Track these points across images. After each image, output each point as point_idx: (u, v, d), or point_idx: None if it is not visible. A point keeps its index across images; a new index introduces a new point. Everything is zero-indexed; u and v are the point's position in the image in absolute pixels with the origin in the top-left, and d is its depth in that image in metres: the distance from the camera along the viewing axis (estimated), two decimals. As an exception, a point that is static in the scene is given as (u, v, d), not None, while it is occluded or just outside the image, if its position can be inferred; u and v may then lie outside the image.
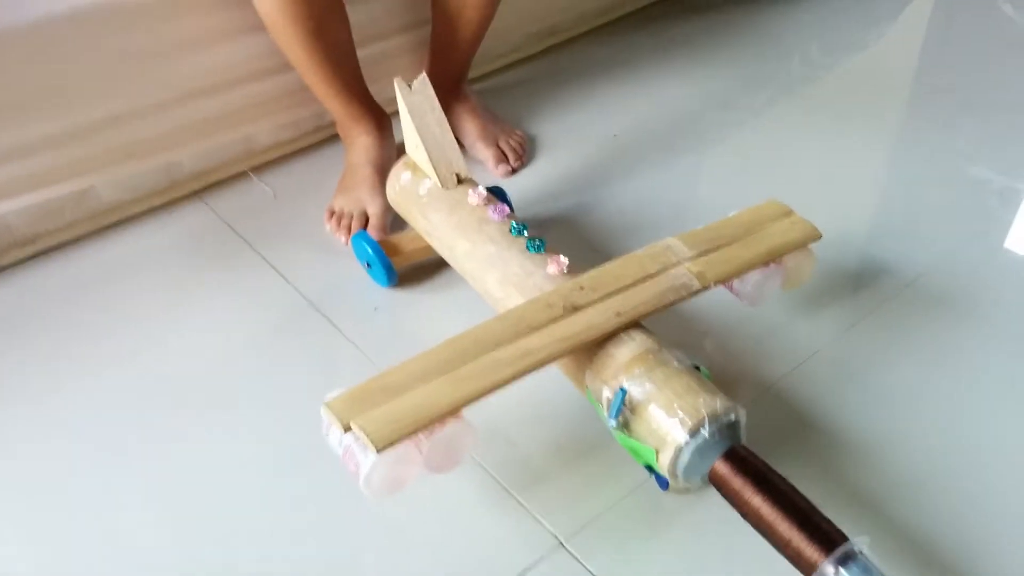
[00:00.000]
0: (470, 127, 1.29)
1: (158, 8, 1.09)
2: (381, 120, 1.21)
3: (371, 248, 1.04)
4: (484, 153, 1.27)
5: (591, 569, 0.80)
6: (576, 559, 0.81)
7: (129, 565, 0.80)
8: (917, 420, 0.94)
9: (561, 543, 0.82)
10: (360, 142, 1.20)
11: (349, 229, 1.14)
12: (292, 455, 0.89)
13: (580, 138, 1.35)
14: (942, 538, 0.82)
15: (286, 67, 1.18)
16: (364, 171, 1.18)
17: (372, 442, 0.71)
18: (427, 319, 1.06)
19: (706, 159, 1.34)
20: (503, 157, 1.27)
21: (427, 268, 1.10)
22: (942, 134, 1.37)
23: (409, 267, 1.09)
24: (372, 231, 1.13)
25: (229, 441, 0.91)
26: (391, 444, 0.71)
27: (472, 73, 1.35)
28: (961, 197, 1.25)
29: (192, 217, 1.21)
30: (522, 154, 1.29)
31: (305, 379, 0.97)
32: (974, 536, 0.83)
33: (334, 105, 1.17)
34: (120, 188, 1.19)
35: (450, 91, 1.27)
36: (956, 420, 0.94)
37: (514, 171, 1.27)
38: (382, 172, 1.16)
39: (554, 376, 0.90)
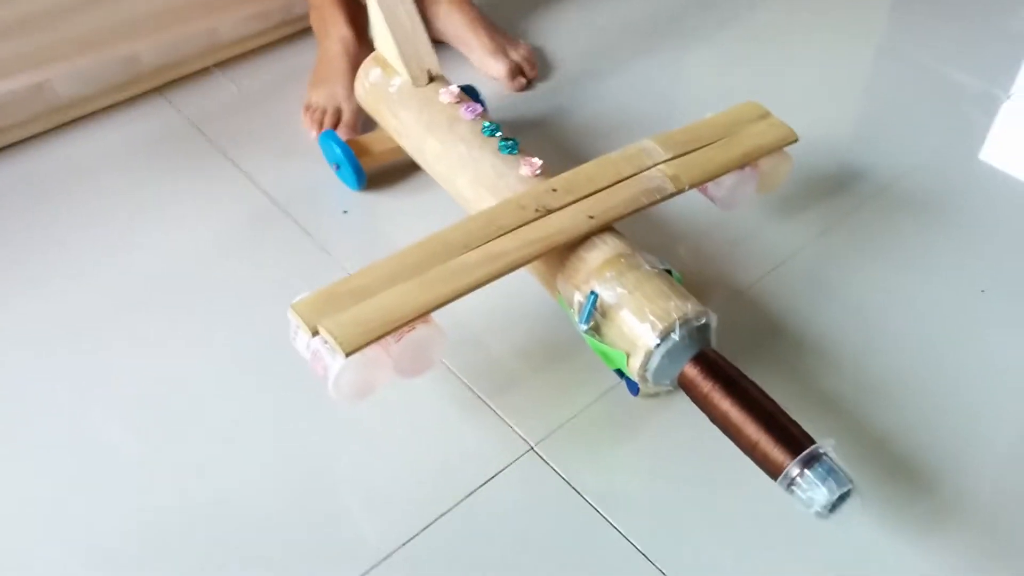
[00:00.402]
0: (476, 40, 1.21)
1: None
2: (360, 11, 1.15)
3: (340, 148, 1.02)
4: (495, 68, 1.20)
5: (561, 472, 0.81)
6: (546, 462, 0.82)
7: (97, 467, 0.80)
8: (887, 325, 0.95)
9: (532, 447, 0.83)
10: (337, 32, 1.15)
11: (321, 124, 1.11)
12: (259, 359, 0.89)
13: (557, 37, 1.31)
14: (909, 441, 0.84)
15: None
16: (340, 63, 1.14)
17: (340, 345, 0.70)
18: (397, 222, 1.04)
19: (686, 60, 1.30)
20: (518, 70, 1.21)
21: (399, 170, 1.08)
22: (921, 37, 1.35)
23: (379, 169, 1.07)
24: (343, 130, 1.10)
25: (196, 345, 0.90)
26: (359, 348, 0.70)
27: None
28: (938, 102, 1.24)
29: (154, 115, 1.17)
30: (535, 64, 1.23)
31: (273, 283, 0.96)
32: (941, 438, 0.84)
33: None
34: (77, 82, 1.13)
35: None
36: (925, 326, 0.95)
37: (529, 83, 1.22)
38: (354, 65, 1.12)
39: (524, 280, 0.89)
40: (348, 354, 0.70)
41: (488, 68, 1.21)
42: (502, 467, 0.81)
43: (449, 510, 0.78)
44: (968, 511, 0.79)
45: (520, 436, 0.84)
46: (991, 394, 0.88)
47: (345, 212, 1.04)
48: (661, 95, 1.23)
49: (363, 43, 1.15)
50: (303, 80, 1.18)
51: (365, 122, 1.13)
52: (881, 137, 1.17)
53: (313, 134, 1.11)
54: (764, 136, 0.95)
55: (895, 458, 0.82)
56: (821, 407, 0.86)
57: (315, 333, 0.72)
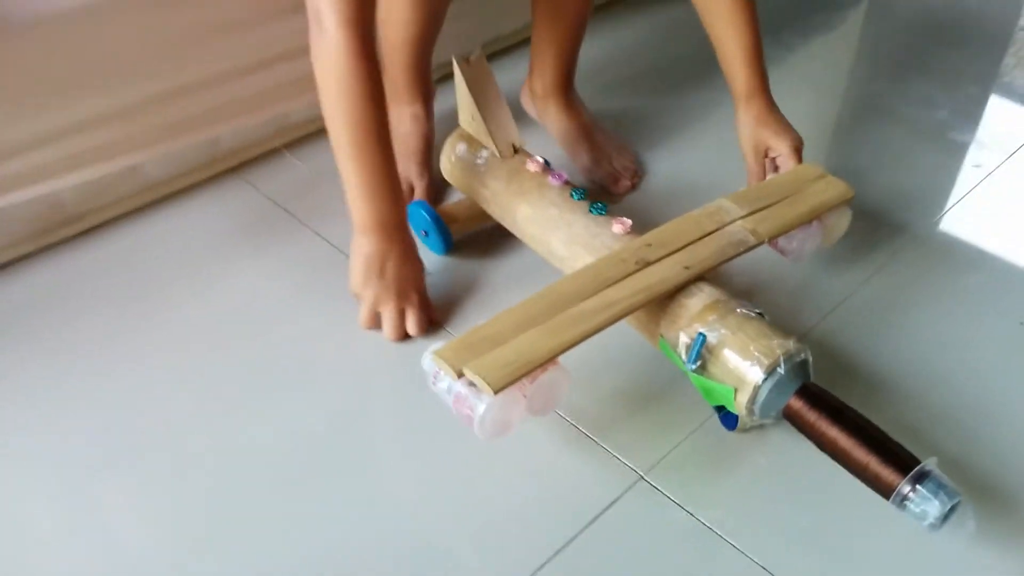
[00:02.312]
0: (582, 149, 1.25)
1: None
2: (431, 93, 1.24)
3: (429, 216, 1.09)
4: (597, 174, 1.24)
5: (674, 498, 0.86)
6: (658, 490, 0.87)
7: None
8: (943, 357, 1.02)
9: (642, 476, 0.88)
10: (410, 112, 1.22)
11: None
12: (375, 411, 0.94)
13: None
14: (979, 461, 0.90)
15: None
16: (412, 141, 1.21)
17: (489, 384, 0.76)
18: (483, 282, 1.10)
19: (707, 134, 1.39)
20: (616, 177, 1.24)
21: (476, 238, 1.15)
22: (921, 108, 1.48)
23: (464, 235, 1.14)
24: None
25: (304, 415, 0.94)
26: (505, 387, 0.76)
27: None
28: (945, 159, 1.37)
29: (233, 193, 1.24)
30: (637, 172, 1.26)
31: (372, 342, 1.01)
32: (1004, 456, 0.91)
33: (398, 69, 1.18)
34: (166, 164, 1.21)
35: (558, 95, 1.25)
36: (974, 358, 1.03)
37: (633, 187, 1.25)
38: (429, 146, 1.20)
39: (616, 329, 0.95)
40: (496, 392, 0.76)
41: (591, 174, 1.25)
42: (615, 497, 0.86)
43: (568, 543, 0.83)
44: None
45: (629, 467, 0.89)
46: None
47: (429, 274, 1.10)
48: (700, 164, 1.32)
49: (432, 117, 1.23)
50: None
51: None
52: (897, 187, 1.29)
53: None
54: (825, 193, 1.04)
55: (971, 479, 0.89)
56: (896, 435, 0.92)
57: (460, 375, 0.78)
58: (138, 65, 1.11)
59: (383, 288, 1.00)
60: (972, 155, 1.36)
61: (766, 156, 1.12)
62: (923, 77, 1.54)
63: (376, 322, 1.02)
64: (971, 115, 1.46)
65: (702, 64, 1.20)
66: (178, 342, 1.02)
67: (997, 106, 1.49)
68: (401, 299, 1.01)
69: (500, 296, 0.94)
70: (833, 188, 1.05)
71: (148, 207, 1.21)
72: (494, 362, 0.78)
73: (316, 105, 1.31)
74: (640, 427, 0.93)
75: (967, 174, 1.32)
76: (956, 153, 1.37)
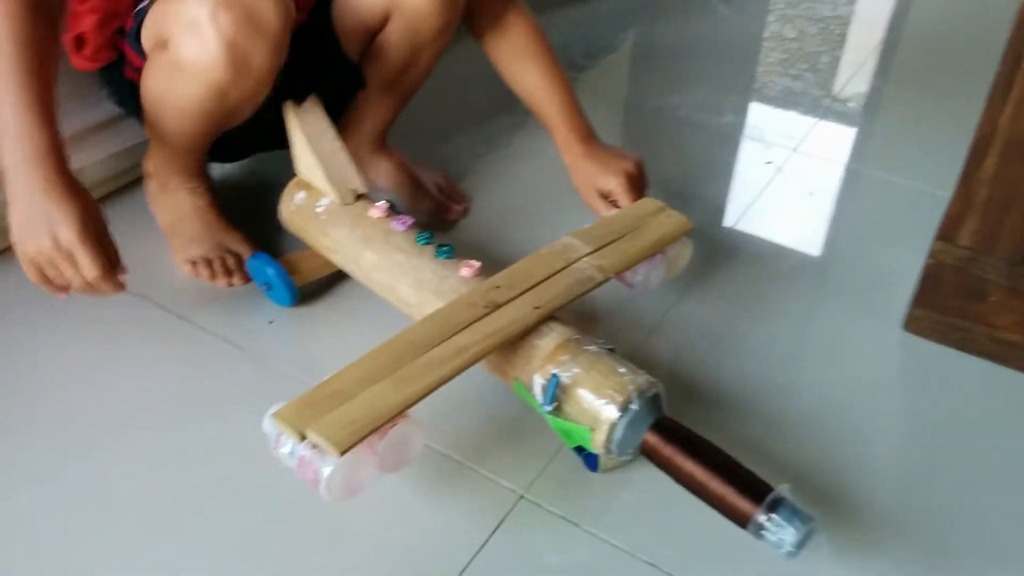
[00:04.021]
0: (402, 185, 1.23)
1: None
2: (204, 164, 1.13)
3: (272, 270, 1.04)
4: (426, 206, 1.22)
5: (556, 511, 0.86)
6: (540, 506, 0.86)
7: None
8: (772, 362, 1.06)
9: (522, 495, 0.87)
10: (195, 186, 1.11)
11: (227, 271, 1.08)
12: (234, 478, 0.87)
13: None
14: (827, 473, 0.92)
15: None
16: (209, 215, 1.11)
17: (333, 446, 0.71)
18: (328, 331, 1.06)
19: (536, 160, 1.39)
20: (446, 206, 1.24)
21: (322, 287, 1.11)
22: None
23: (309, 286, 1.09)
24: (240, 276, 1.08)
25: (167, 471, 0.88)
26: (351, 447, 0.72)
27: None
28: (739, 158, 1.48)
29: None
30: (459, 193, 1.27)
31: (224, 404, 0.95)
32: (845, 465, 0.93)
33: (185, 153, 1.07)
34: None
35: (374, 145, 1.21)
36: (805, 352, 1.07)
37: (464, 212, 1.25)
38: (218, 210, 1.12)
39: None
40: (342, 453, 0.72)
41: (419, 206, 1.22)
42: (501, 518, 0.85)
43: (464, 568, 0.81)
44: (898, 526, 0.88)
45: (507, 487, 0.88)
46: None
47: (271, 322, 1.05)
48: (529, 194, 1.33)
49: (213, 199, 1.13)
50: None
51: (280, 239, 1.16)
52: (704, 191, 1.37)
53: (223, 283, 1.08)
54: (666, 226, 1.05)
55: (826, 497, 0.91)
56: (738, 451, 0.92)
57: (302, 438, 0.73)
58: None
59: (64, 258, 0.84)
60: (762, 153, 1.48)
61: (603, 196, 1.13)
62: (703, 86, 1.66)
63: (47, 278, 0.87)
64: (753, 117, 1.60)
65: (500, 90, 1.22)
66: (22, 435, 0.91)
67: (767, 107, 1.64)
68: (84, 241, 0.83)
69: (351, 347, 0.89)
70: (673, 221, 1.06)
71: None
72: (338, 420, 0.74)
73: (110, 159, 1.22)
74: (510, 448, 0.92)
75: (760, 171, 1.43)
76: (748, 152, 1.48)
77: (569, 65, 1.67)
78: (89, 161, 1.20)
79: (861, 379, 1.04)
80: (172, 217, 1.11)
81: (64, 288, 0.88)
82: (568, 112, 1.16)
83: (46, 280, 0.87)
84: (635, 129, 1.57)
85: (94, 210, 0.86)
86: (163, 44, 0.93)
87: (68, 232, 0.82)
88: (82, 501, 0.85)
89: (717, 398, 1.01)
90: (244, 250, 1.10)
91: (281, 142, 1.09)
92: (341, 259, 1.03)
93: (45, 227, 0.82)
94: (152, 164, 1.11)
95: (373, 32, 1.10)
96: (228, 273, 1.08)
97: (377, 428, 0.75)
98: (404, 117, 1.23)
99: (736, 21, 1.98)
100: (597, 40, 1.83)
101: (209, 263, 1.08)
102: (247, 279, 1.08)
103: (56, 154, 0.84)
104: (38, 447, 0.90)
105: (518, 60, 1.16)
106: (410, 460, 0.81)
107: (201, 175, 1.12)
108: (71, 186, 0.84)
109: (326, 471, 0.72)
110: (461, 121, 1.48)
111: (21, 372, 0.99)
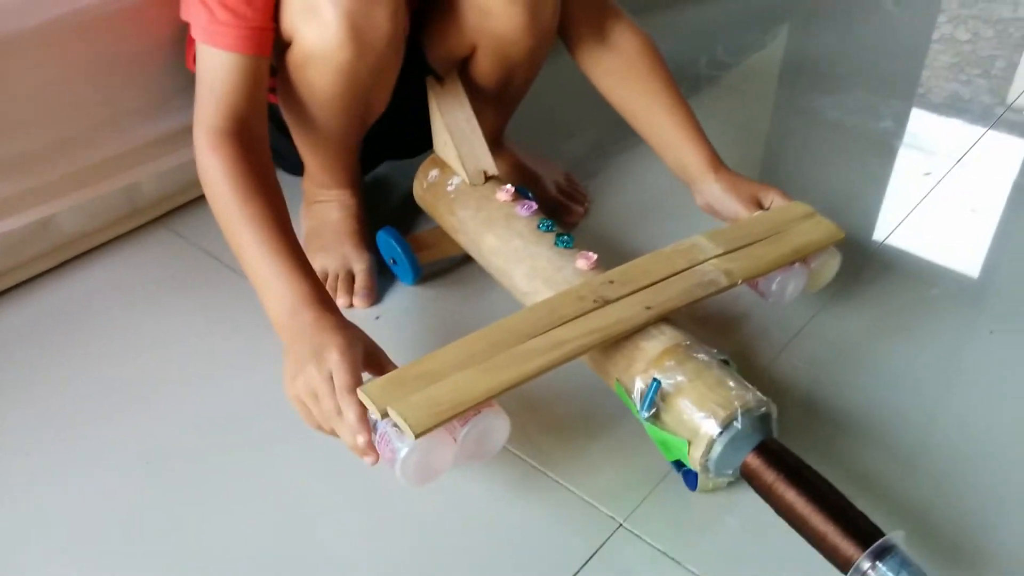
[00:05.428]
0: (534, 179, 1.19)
1: (102, 23, 0.99)
2: (357, 177, 1.13)
3: (397, 243, 1.05)
4: (545, 208, 1.10)
5: (657, 546, 0.80)
6: (640, 538, 0.81)
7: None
8: (912, 387, 0.96)
9: (621, 524, 0.82)
10: (342, 195, 1.10)
11: (346, 289, 1.06)
12: (331, 467, 0.86)
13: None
14: (957, 520, 0.82)
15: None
16: (346, 226, 1.09)
17: (410, 427, 0.71)
18: (448, 315, 1.06)
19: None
20: (565, 206, 1.19)
21: (446, 268, 1.11)
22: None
23: (434, 264, 1.09)
24: (363, 293, 1.05)
25: (254, 479, 0.87)
26: (429, 429, 0.71)
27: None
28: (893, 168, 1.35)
29: (160, 244, 1.15)
30: (580, 193, 1.22)
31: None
32: (976, 518, 0.83)
33: (335, 158, 1.06)
34: (81, 216, 1.09)
35: (491, 146, 1.12)
36: (951, 380, 0.97)
37: (584, 212, 1.20)
38: (363, 227, 1.11)
39: (579, 369, 0.89)
40: (418, 435, 0.71)
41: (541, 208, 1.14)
42: (596, 547, 0.80)
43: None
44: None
45: (606, 514, 0.83)
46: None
47: (378, 318, 1.04)
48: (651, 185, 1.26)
49: (361, 203, 1.13)
50: (293, 206, 1.07)
51: (417, 217, 1.16)
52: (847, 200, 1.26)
53: (340, 302, 1.04)
54: (812, 233, 0.97)
55: (941, 544, 0.81)
56: (864, 489, 0.84)
57: (384, 415, 0.73)
58: (41, 110, 0.99)
59: (324, 382, 0.76)
60: (921, 163, 1.35)
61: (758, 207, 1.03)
62: (860, 89, 1.53)
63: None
64: (914, 124, 1.47)
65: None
66: (108, 408, 0.93)
67: (930, 114, 1.50)
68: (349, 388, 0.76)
69: (463, 331, 0.88)
70: (821, 229, 0.98)
71: (65, 265, 1.11)
72: (421, 402, 0.73)
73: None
74: (613, 469, 0.87)
75: (918, 183, 1.30)
76: (904, 161, 1.37)
77: (711, 63, 1.62)
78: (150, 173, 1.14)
79: (1013, 423, 0.92)
80: (313, 224, 1.10)
81: (328, 431, 0.79)
82: (697, 142, 1.05)
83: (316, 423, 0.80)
84: (780, 131, 1.46)
85: (363, 339, 0.82)
86: (288, 46, 0.92)
87: (332, 354, 0.77)
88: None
89: (841, 425, 0.92)
90: (364, 272, 1.06)
91: (412, 149, 1.08)
92: (464, 240, 1.03)
93: (313, 359, 0.77)
94: (307, 183, 1.12)
95: (462, 59, 1.05)
96: (346, 292, 1.05)
97: (459, 414, 0.73)
98: (526, 112, 1.17)
99: (903, 20, 1.81)
100: (744, 36, 1.73)
101: (325, 279, 1.06)
102: (367, 301, 1.05)
103: (319, 295, 0.83)
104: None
105: (624, 81, 1.07)
106: (492, 453, 0.79)
107: (351, 186, 1.11)
108: (341, 321, 0.82)
109: (403, 451, 0.72)
110: (588, 116, 1.37)
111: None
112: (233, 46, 0.88)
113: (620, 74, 1.08)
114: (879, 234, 1.20)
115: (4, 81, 0.95)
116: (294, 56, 0.92)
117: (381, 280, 1.08)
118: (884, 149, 1.39)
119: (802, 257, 0.96)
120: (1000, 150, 1.39)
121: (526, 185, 1.14)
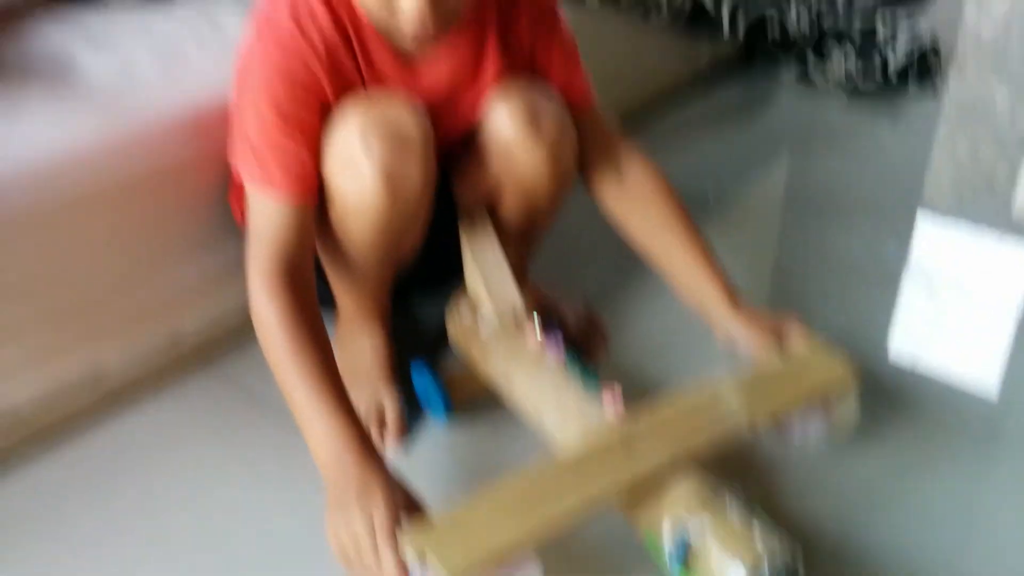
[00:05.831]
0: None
1: (146, 183, 1.07)
2: (387, 314, 1.17)
3: (432, 382, 1.08)
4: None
5: None
6: None
7: None
8: (930, 539, 0.96)
9: None
10: (371, 341, 1.14)
11: (378, 423, 1.08)
12: None
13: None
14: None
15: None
16: (376, 367, 1.13)
17: (448, 573, 0.73)
18: (478, 453, 1.08)
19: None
20: (587, 347, 1.20)
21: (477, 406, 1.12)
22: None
23: (467, 403, 1.11)
24: (394, 432, 1.07)
25: None
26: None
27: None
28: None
29: (203, 385, 1.17)
30: (600, 330, 1.23)
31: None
32: None
33: (367, 298, 1.11)
34: (128, 362, 1.13)
35: (518, 280, 1.15)
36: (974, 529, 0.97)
37: (605, 352, 1.22)
38: (392, 364, 1.14)
39: (609, 514, 0.92)
40: (456, 581, 0.73)
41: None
42: None
43: None
44: None
45: None
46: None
47: (408, 454, 1.07)
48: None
49: (390, 346, 1.16)
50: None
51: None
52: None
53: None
54: (829, 373, 0.99)
55: None
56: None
57: (423, 560, 0.76)
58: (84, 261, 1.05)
59: (365, 523, 0.80)
60: (928, 286, 1.37)
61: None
62: (862, 212, 1.56)
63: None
64: (919, 246, 1.49)
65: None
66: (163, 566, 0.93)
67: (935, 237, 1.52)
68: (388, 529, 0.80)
69: (494, 468, 0.90)
70: (838, 369, 1.00)
71: (112, 412, 1.12)
72: (459, 548, 0.76)
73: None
74: None
75: (926, 306, 1.33)
76: (911, 285, 1.38)
77: (717, 192, 1.64)
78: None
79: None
80: (345, 362, 1.06)
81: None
82: (715, 279, 1.08)
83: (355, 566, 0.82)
84: (788, 260, 1.49)
85: (403, 485, 0.85)
86: (327, 194, 0.98)
87: (375, 496, 0.81)
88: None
89: (868, 566, 0.93)
90: (394, 410, 1.08)
91: (439, 280, 1.14)
92: (496, 383, 1.07)
93: (356, 501, 0.81)
94: (340, 321, 1.16)
95: (489, 200, 1.11)
96: (377, 428, 1.07)
97: (495, 562, 0.76)
98: (546, 241, 1.21)
99: (900, 140, 1.87)
100: (746, 164, 1.77)
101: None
102: (398, 439, 1.08)
103: (363, 440, 0.87)
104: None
105: (643, 221, 1.11)
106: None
107: (381, 320, 1.15)
108: (383, 466, 0.86)
109: (439, 596, 0.74)
110: (605, 244, 1.32)
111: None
112: (284, 198, 0.94)
113: (639, 214, 1.12)
114: (893, 364, 1.21)
115: (58, 243, 1.02)
116: (334, 205, 0.99)
117: (412, 411, 1.11)
118: (891, 275, 1.41)
119: (823, 401, 0.99)
120: (1009, 269, 1.41)
121: (550, 318, 1.18)
